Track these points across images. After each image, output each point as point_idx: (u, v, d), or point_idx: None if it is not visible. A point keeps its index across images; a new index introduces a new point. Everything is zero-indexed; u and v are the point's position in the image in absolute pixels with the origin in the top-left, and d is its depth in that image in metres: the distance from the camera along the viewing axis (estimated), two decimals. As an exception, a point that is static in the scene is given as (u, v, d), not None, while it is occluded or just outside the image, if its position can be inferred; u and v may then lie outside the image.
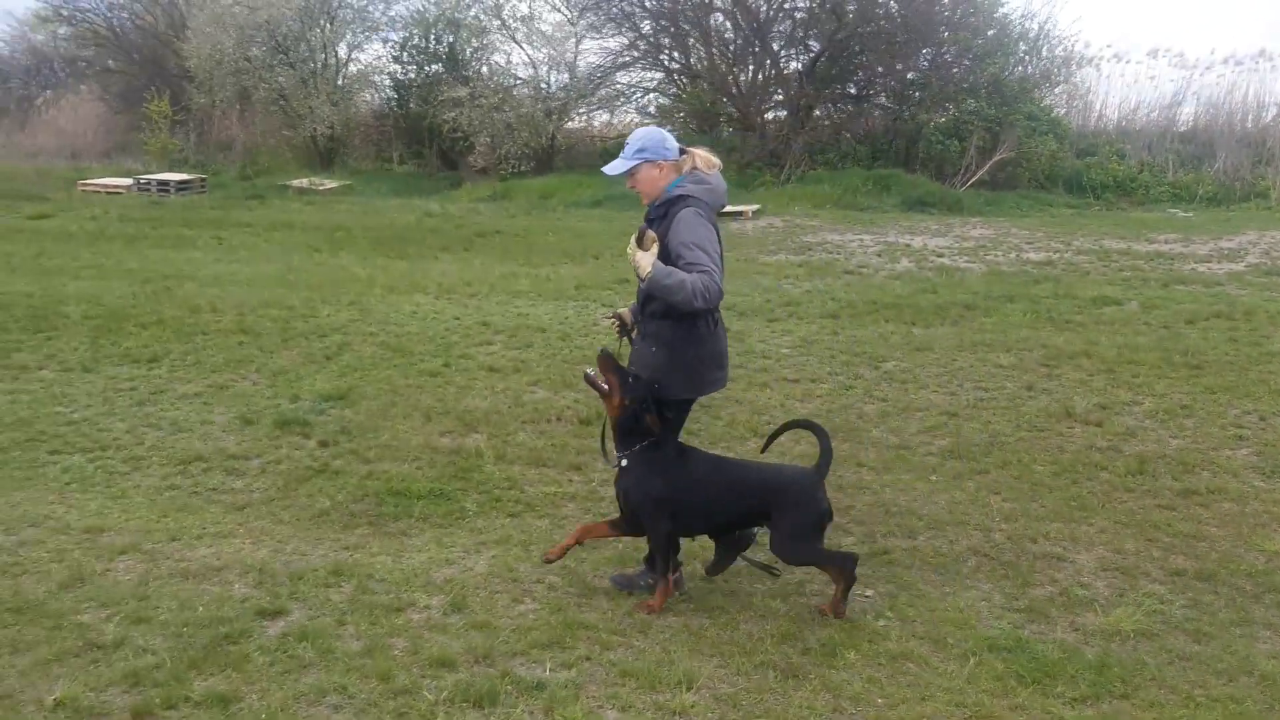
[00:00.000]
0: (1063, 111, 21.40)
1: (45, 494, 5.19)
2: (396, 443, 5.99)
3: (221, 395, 6.85)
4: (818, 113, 20.73)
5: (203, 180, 19.12)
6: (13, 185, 18.67)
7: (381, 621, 3.81)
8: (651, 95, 22.59)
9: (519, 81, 21.29)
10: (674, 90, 22.46)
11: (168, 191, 18.33)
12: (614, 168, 4.10)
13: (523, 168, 19.98)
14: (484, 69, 21.39)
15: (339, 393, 6.83)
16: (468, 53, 21.30)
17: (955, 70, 19.58)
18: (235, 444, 5.96)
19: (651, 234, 3.93)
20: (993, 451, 5.85)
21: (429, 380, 7.17)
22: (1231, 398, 6.78)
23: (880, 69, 20.23)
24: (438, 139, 20.96)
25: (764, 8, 20.65)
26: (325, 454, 5.81)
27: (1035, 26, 20.56)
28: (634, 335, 4.22)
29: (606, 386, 4.03)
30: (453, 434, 6.17)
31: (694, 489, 3.99)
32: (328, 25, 21.79)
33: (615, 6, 21.01)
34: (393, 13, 22.43)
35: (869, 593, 4.28)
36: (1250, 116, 21.14)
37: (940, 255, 12.43)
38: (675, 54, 21.91)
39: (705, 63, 21.47)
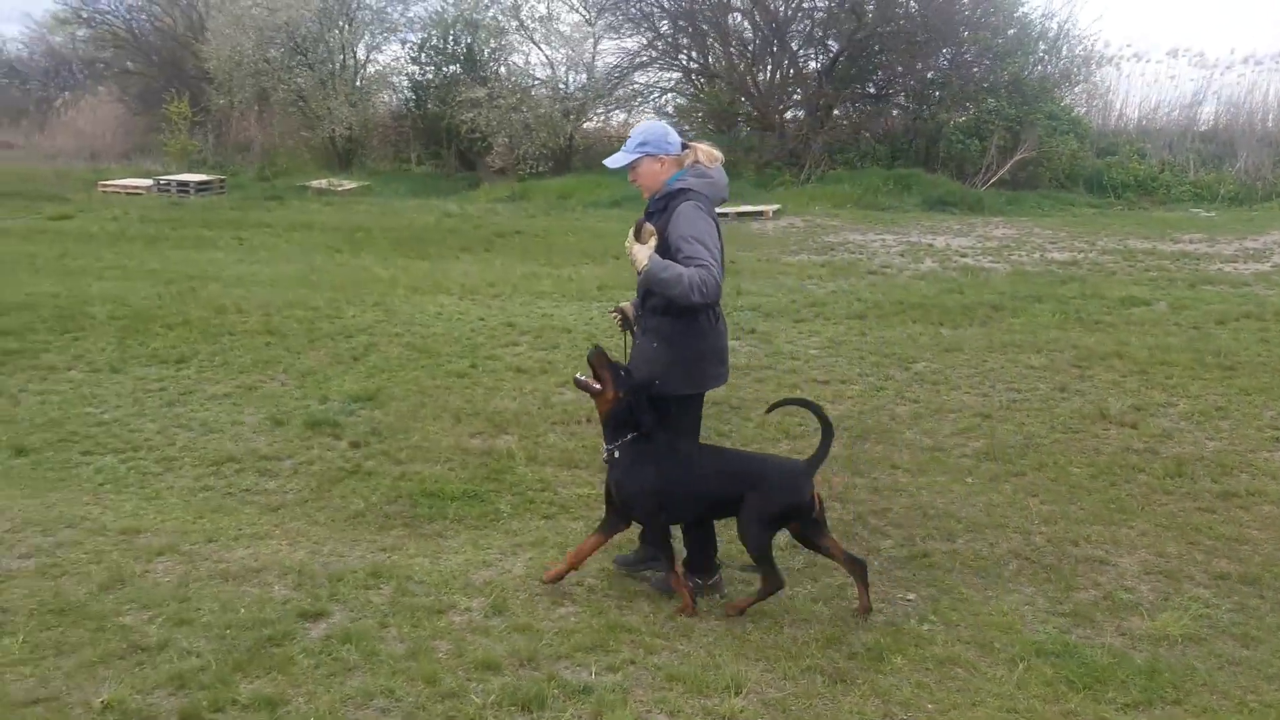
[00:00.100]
0: (1083, 111, 21.28)
1: (79, 495, 5.20)
2: (427, 444, 5.98)
3: (250, 396, 6.86)
4: (837, 112, 20.66)
5: (222, 181, 19.17)
6: (33, 186, 18.77)
7: (424, 624, 3.79)
8: (669, 95, 22.56)
9: (537, 82, 21.29)
10: (691, 90, 22.42)
11: (187, 192, 18.39)
12: (615, 160, 4.10)
13: (540, 168, 19.97)
14: (501, 69, 21.39)
15: (367, 394, 6.83)
16: (485, 53, 21.31)
17: (975, 69, 19.49)
18: (267, 445, 5.96)
19: (650, 227, 3.93)
20: (1028, 453, 5.80)
21: (457, 381, 7.16)
22: (1267, 399, 6.71)
23: (900, 68, 20.14)
24: (456, 140, 20.97)
25: (782, 7, 20.60)
26: (357, 455, 5.80)
27: (1055, 26, 20.49)
28: (635, 330, 4.21)
29: (599, 386, 4.03)
30: (483, 435, 6.15)
31: (684, 478, 3.98)
32: (346, 26, 21.83)
33: (634, 6, 20.99)
34: (411, 14, 22.50)
35: (911, 596, 4.24)
36: (1271, 116, 20.99)
37: (964, 255, 12.36)
38: (693, 54, 21.87)
39: (723, 62, 21.42)
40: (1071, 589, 4.32)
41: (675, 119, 22.60)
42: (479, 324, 8.77)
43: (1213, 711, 3.43)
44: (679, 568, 4.04)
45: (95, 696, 3.23)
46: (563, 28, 21.16)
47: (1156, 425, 6.24)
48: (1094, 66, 21.43)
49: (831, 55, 20.27)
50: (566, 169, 20.28)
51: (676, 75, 22.41)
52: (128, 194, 18.40)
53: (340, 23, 21.70)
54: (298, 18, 20.82)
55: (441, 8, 21.68)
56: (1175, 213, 17.01)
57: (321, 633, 3.71)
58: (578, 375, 4.11)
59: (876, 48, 19.88)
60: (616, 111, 22.27)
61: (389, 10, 22.43)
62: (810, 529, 4.02)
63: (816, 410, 4.21)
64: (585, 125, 21.50)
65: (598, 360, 4.04)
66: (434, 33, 21.60)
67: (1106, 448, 5.90)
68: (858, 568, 4.04)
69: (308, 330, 8.40)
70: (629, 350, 4.27)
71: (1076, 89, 21.54)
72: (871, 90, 20.92)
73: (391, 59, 23.29)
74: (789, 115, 21.04)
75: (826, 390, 6.91)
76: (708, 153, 4.08)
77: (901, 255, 12.40)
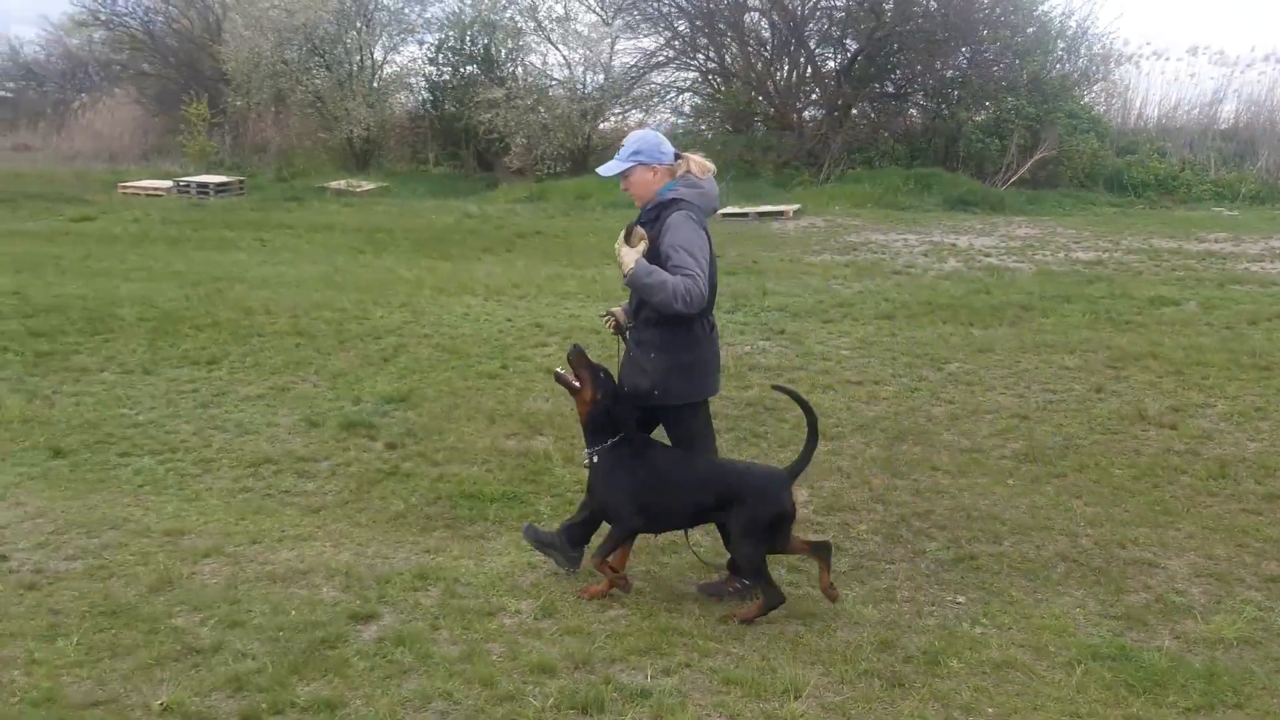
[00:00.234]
0: (1102, 110, 21.18)
1: (120, 496, 5.20)
2: (463, 445, 5.97)
3: (283, 397, 6.86)
4: (855, 111, 20.61)
5: (241, 182, 19.23)
6: (53, 188, 18.86)
7: (475, 626, 3.77)
8: (685, 95, 22.54)
9: (554, 82, 21.29)
10: (708, 90, 22.38)
11: (207, 193, 18.46)
12: (609, 169, 4.11)
13: (558, 168, 19.98)
14: (519, 70, 21.40)
15: (400, 395, 6.82)
16: (503, 54, 21.32)
17: (995, 68, 19.40)
18: (303, 446, 5.96)
19: (640, 231, 3.95)
20: (1068, 455, 5.76)
21: (488, 382, 7.15)
22: (1306, 400, 6.65)
23: (919, 67, 20.08)
24: (474, 140, 20.99)
25: (800, 6, 20.56)
26: (394, 456, 5.80)
27: (1074, 24, 20.40)
28: (627, 336, 4.22)
29: (578, 383, 4.03)
30: (518, 436, 6.14)
31: (662, 485, 3.97)
32: (363, 28, 21.87)
33: (651, 6, 20.97)
34: (428, 14, 22.53)
35: (960, 599, 4.20)
36: (1293, 114, 20.85)
37: (987, 255, 12.30)
38: (710, 53, 21.84)
39: (740, 62, 21.38)
40: (1122, 592, 4.28)
41: (692, 118, 22.60)
42: (506, 325, 8.76)
43: (1275, 715, 3.39)
44: (611, 561, 4.04)
45: (154, 699, 3.23)
46: (580, 28, 21.21)
47: (1196, 426, 6.19)
48: (1113, 65, 21.35)
49: (850, 54, 20.22)
50: (584, 169, 20.27)
51: (693, 75, 22.39)
52: (148, 195, 18.48)
53: (358, 24, 21.73)
54: (315, 19, 20.88)
55: (459, 8, 21.74)
56: (1197, 212, 16.91)
57: (374, 635, 3.70)
58: (557, 370, 4.12)
59: (895, 46, 19.82)
60: (634, 111, 22.28)
61: (406, 11, 22.48)
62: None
63: (808, 413, 4.18)
64: (602, 125, 21.49)
65: (576, 359, 4.05)
66: (451, 33, 21.63)
67: (1147, 449, 5.85)
68: (823, 550, 4.01)
69: (337, 331, 8.41)
70: (620, 355, 4.25)
71: (1095, 87, 21.46)
72: (890, 89, 20.86)
73: (409, 60, 23.34)
74: (807, 115, 20.99)
75: (860, 391, 6.87)
76: (700, 164, 4.10)
77: (925, 255, 12.35)
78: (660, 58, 21.70)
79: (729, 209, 16.03)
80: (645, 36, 21.34)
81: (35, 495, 5.13)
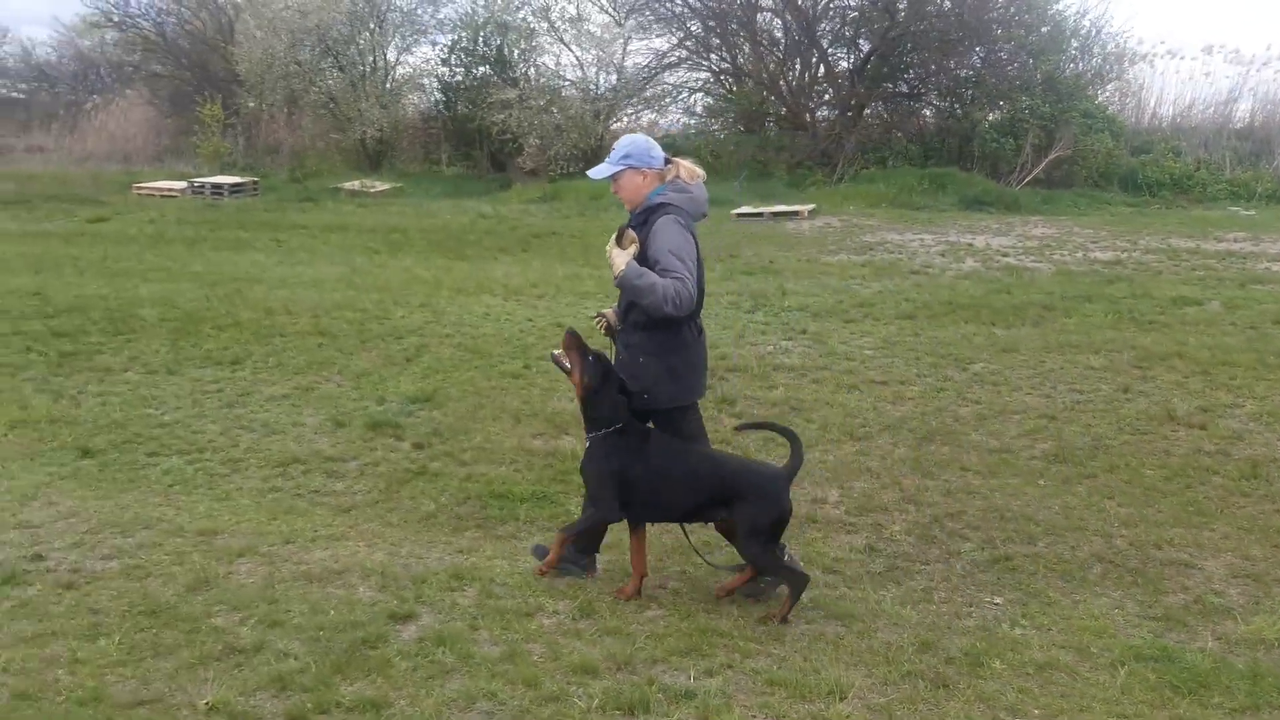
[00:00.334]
0: (1116, 109, 21.10)
1: (150, 496, 5.21)
2: (490, 445, 5.97)
3: (308, 397, 6.86)
4: (868, 111, 20.57)
5: (255, 183, 19.26)
6: (68, 189, 18.89)
7: (514, 626, 3.77)
8: (697, 95, 22.54)
9: (567, 83, 21.30)
10: (720, 90, 22.36)
11: (221, 194, 18.49)
12: (599, 171, 4.15)
13: (572, 169, 19.97)
14: (531, 71, 21.40)
15: (424, 394, 6.82)
16: (515, 55, 21.32)
17: (1010, 68, 19.34)
18: (330, 446, 5.96)
19: (631, 234, 3.97)
20: (1098, 455, 5.73)
21: (512, 382, 7.14)
22: (1335, 400, 6.61)
23: (933, 66, 20.02)
24: (487, 141, 21.00)
25: (812, 6, 20.51)
26: (421, 456, 5.80)
27: (1088, 23, 20.34)
28: (617, 339, 4.23)
29: (570, 366, 4.04)
30: (544, 436, 6.14)
31: (654, 476, 3.96)
32: (376, 29, 21.89)
33: (664, 6, 20.97)
34: (441, 15, 22.53)
35: (998, 600, 4.19)
36: (1309, 113, 20.76)
37: (1005, 255, 12.26)
38: (723, 53, 21.82)
39: (753, 62, 21.35)
40: (1160, 593, 4.26)
41: (704, 118, 22.59)
42: (527, 325, 8.76)
43: (1322, 718, 3.37)
44: (567, 547, 4.13)
45: (199, 698, 3.23)
46: (593, 28, 21.18)
47: (1226, 427, 6.16)
48: (1127, 64, 21.29)
49: (863, 54, 20.18)
50: (597, 170, 20.23)
51: (705, 75, 22.37)
52: (162, 196, 18.52)
53: (371, 25, 21.75)
54: (329, 20, 20.90)
55: (472, 9, 21.73)
56: (1214, 211, 16.83)
57: (413, 635, 3.69)
58: (554, 352, 4.14)
59: (909, 46, 19.77)
60: (646, 112, 22.28)
61: (419, 12, 22.49)
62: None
63: (786, 433, 4.24)
64: (615, 126, 21.48)
65: (569, 342, 4.04)
66: (464, 34, 21.63)
67: (1177, 449, 5.83)
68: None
69: (358, 331, 8.42)
70: (613, 358, 4.24)
71: (1109, 87, 21.39)
72: (903, 89, 20.82)
73: (422, 61, 23.35)
74: (820, 115, 20.96)
75: (886, 391, 6.85)
76: (689, 169, 4.13)
77: (942, 255, 12.31)
78: (672, 58, 21.70)
79: (744, 209, 16.02)
80: (658, 36, 21.36)
81: (67, 495, 5.13)
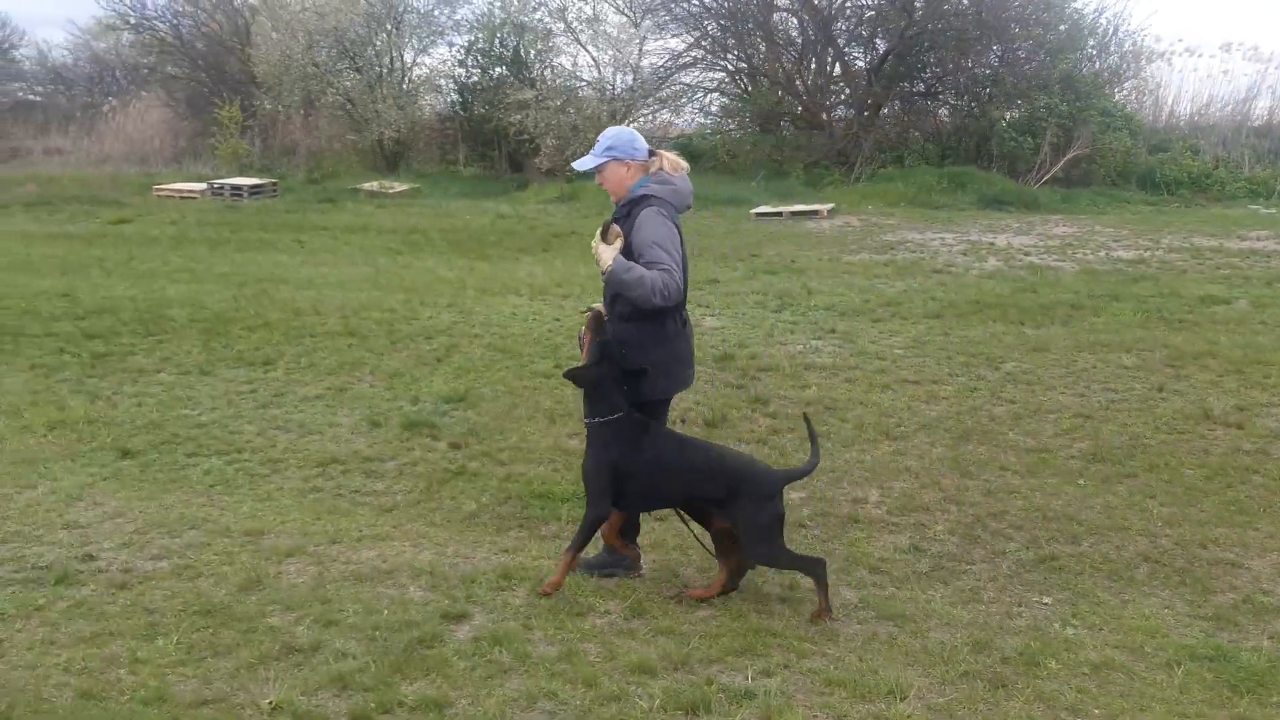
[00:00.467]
0: (1133, 107, 21.01)
1: (193, 496, 5.24)
2: (526, 445, 5.98)
3: (342, 397, 6.89)
4: (885, 110, 20.53)
5: (274, 184, 19.31)
6: (89, 190, 18.99)
7: (568, 626, 3.78)
8: (713, 95, 22.52)
9: (583, 83, 21.31)
10: (735, 90, 22.34)
11: (241, 196, 18.55)
12: (583, 164, 4.17)
13: (588, 169, 19.96)
14: (547, 71, 21.41)
15: (458, 394, 6.85)
16: (532, 55, 21.33)
17: (1027, 66, 19.27)
18: (367, 446, 5.98)
19: (616, 228, 3.99)
20: (1136, 455, 5.72)
21: (544, 382, 7.16)
22: (1372, 399, 6.58)
23: (950, 65, 19.97)
24: (504, 141, 21.01)
25: (827, 4, 20.48)
26: (459, 456, 5.82)
27: (1105, 21, 20.26)
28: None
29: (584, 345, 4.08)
30: (580, 436, 6.11)
31: (652, 467, 3.98)
32: (393, 30, 21.93)
33: (680, 6, 20.96)
34: (458, 16, 22.54)
35: (1047, 600, 4.19)
36: (1329, 110, 20.65)
37: (1027, 254, 12.22)
38: (738, 53, 21.80)
39: (769, 61, 21.33)
40: (1208, 592, 4.25)
41: (720, 118, 22.57)
42: (555, 324, 8.77)
43: (1381, 718, 3.36)
44: (579, 557, 4.07)
45: (262, 698, 3.25)
46: (609, 29, 21.18)
47: (1263, 426, 6.14)
48: (1144, 62, 21.19)
49: (880, 53, 20.14)
50: (614, 170, 20.22)
51: (721, 75, 22.36)
52: (181, 198, 18.59)
53: (388, 25, 21.80)
54: (347, 21, 20.95)
55: (488, 10, 21.75)
56: (1234, 210, 16.75)
57: (468, 634, 3.71)
58: (581, 331, 4.17)
59: (926, 45, 19.72)
60: (662, 112, 22.27)
61: (436, 13, 22.52)
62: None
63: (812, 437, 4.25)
64: (631, 126, 21.47)
65: (592, 324, 4.06)
66: (480, 35, 21.65)
67: (1216, 449, 5.81)
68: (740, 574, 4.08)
69: (388, 332, 8.44)
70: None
71: (1126, 85, 21.30)
72: (921, 88, 20.77)
73: (439, 62, 23.36)
74: (836, 114, 20.93)
75: (919, 390, 6.85)
76: (673, 161, 4.16)
77: (964, 254, 12.28)
78: (687, 58, 21.68)
79: (763, 208, 16.01)
80: (673, 36, 21.35)
81: (110, 495, 5.17)
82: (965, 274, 11.01)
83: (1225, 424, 6.18)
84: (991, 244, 12.92)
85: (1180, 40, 30.04)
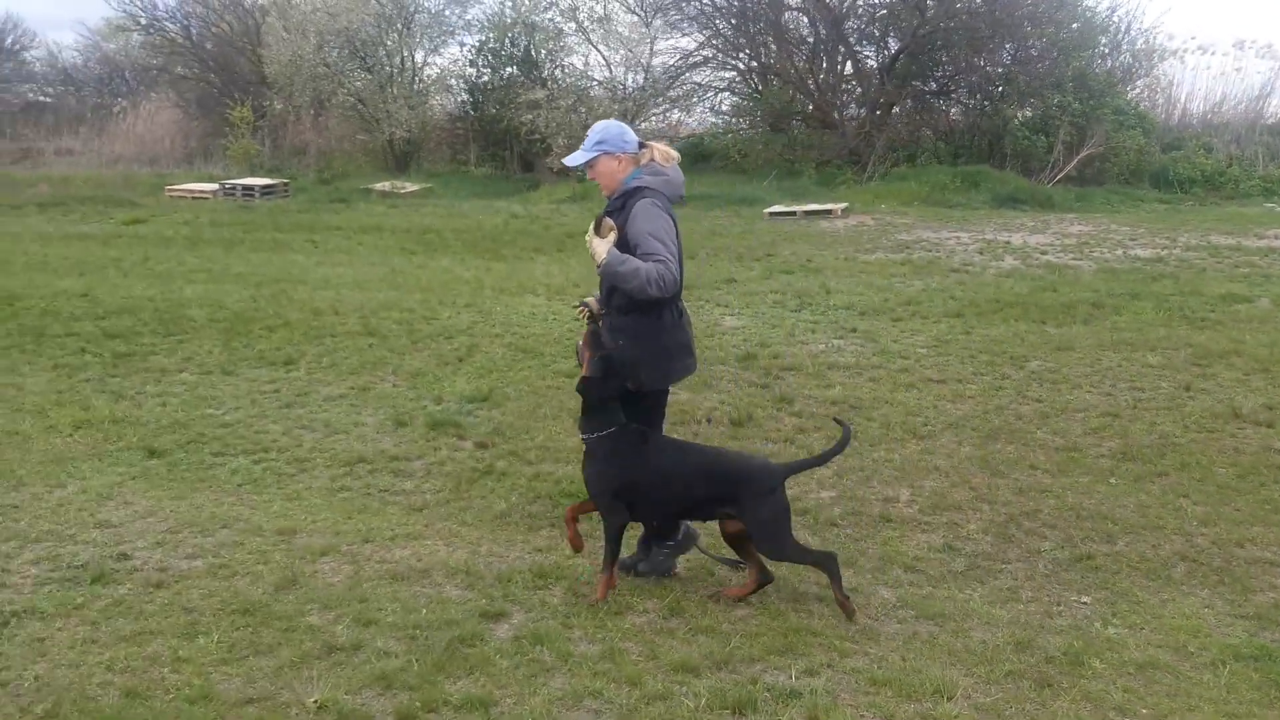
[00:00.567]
0: (1146, 105, 20.95)
1: (223, 495, 5.23)
2: (553, 444, 5.97)
3: (366, 397, 6.88)
4: (897, 109, 20.49)
5: (286, 185, 19.33)
6: (102, 191, 19.03)
7: (607, 625, 3.77)
8: (724, 94, 22.49)
9: (595, 83, 21.31)
10: (746, 89, 22.31)
11: (253, 196, 18.57)
12: (574, 159, 4.16)
13: (600, 168, 19.95)
14: (558, 71, 21.41)
15: (481, 394, 6.84)
16: (543, 55, 21.33)
17: (1040, 65, 19.22)
18: (394, 445, 5.98)
19: (610, 222, 3.99)
20: (1166, 454, 5.69)
21: (566, 382, 7.13)
22: (1401, 397, 6.55)
23: (962, 64, 19.92)
24: (516, 141, 21.01)
25: (839, 3, 20.44)
26: (486, 456, 5.81)
27: (1117, 19, 20.22)
28: (601, 325, 4.23)
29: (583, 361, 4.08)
30: (605, 436, 6.12)
31: (655, 477, 3.98)
32: (403, 30, 21.94)
33: (691, 5, 20.94)
34: (468, 16, 22.55)
35: (1085, 599, 4.16)
36: (1343, 108, 20.57)
37: (1044, 253, 12.18)
38: (749, 52, 21.78)
39: (780, 60, 21.30)
40: (1248, 591, 4.23)
41: (731, 117, 22.54)
42: (575, 324, 8.74)
43: None
44: (615, 570, 4.04)
45: (307, 696, 3.24)
46: (620, 28, 21.17)
47: (1293, 424, 6.11)
48: (1156, 60, 21.13)
49: (892, 52, 20.11)
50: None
51: (732, 74, 22.34)
52: (194, 198, 18.62)
53: (398, 25, 21.81)
54: (358, 21, 20.97)
55: (499, 10, 21.75)
56: (1249, 208, 16.69)
57: (508, 633, 3.70)
58: (579, 342, 4.19)
59: (938, 43, 19.67)
60: (673, 111, 22.26)
61: (446, 13, 22.53)
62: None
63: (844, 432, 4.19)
64: (643, 125, 21.46)
65: (588, 340, 4.09)
66: (491, 35, 21.65)
67: (1247, 447, 5.78)
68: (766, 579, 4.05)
69: (408, 332, 8.44)
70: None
71: (1139, 83, 21.24)
72: (933, 87, 20.73)
73: (449, 62, 23.36)
74: (849, 113, 20.90)
75: (944, 389, 6.82)
76: (664, 152, 4.16)
77: (980, 253, 12.24)
78: (698, 57, 21.67)
79: (776, 207, 15.99)
80: (684, 35, 21.34)
81: (140, 495, 5.16)
82: (983, 273, 10.98)
83: (1255, 423, 6.14)
84: (1007, 243, 12.88)
85: (1193, 38, 30.04)
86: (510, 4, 21.50)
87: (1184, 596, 4.19)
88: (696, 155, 20.91)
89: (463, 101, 22.80)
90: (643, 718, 3.17)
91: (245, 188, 18.75)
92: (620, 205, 4.02)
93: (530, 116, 20.01)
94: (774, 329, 8.45)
